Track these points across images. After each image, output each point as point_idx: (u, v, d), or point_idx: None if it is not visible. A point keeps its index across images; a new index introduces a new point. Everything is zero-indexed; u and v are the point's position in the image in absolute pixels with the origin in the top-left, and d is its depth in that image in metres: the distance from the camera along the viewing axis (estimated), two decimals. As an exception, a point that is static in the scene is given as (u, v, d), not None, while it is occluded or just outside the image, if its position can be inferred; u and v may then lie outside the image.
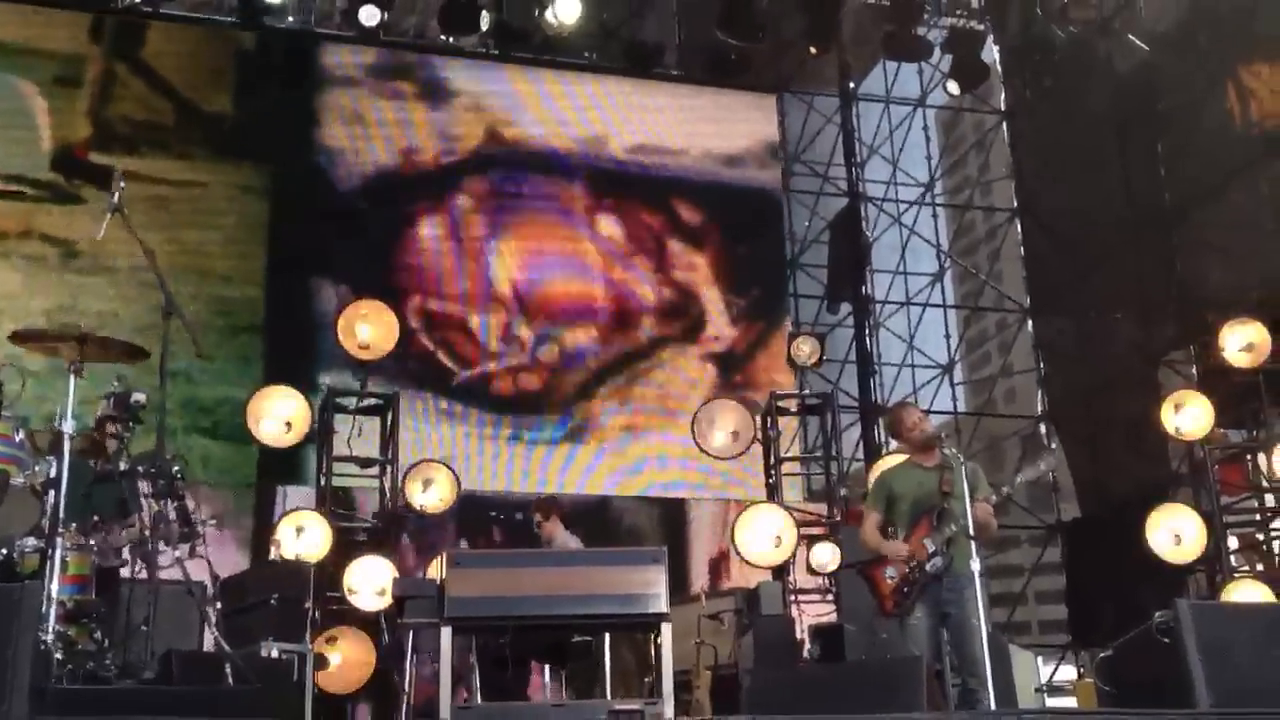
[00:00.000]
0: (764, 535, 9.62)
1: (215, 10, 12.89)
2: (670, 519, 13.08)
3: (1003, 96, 15.31)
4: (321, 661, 7.75)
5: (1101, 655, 7.21)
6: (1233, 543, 10.10)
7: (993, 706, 5.93)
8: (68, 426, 5.04)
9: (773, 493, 10.43)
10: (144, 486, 5.68)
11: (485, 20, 12.80)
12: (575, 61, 13.96)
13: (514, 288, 13.32)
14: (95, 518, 5.86)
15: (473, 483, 10.59)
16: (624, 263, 13.71)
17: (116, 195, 5.67)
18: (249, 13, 12.61)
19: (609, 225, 13.77)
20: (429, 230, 13.24)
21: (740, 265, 14.03)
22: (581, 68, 13.99)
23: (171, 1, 12.63)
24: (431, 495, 9.25)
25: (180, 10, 12.74)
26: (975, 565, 6.02)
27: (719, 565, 12.59)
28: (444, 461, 9.54)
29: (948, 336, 15.33)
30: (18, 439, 5.10)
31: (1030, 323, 14.93)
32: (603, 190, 13.83)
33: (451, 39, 13.36)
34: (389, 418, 9.56)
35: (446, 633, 5.98)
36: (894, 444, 8.34)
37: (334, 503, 9.32)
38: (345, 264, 12.60)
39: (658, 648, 6.07)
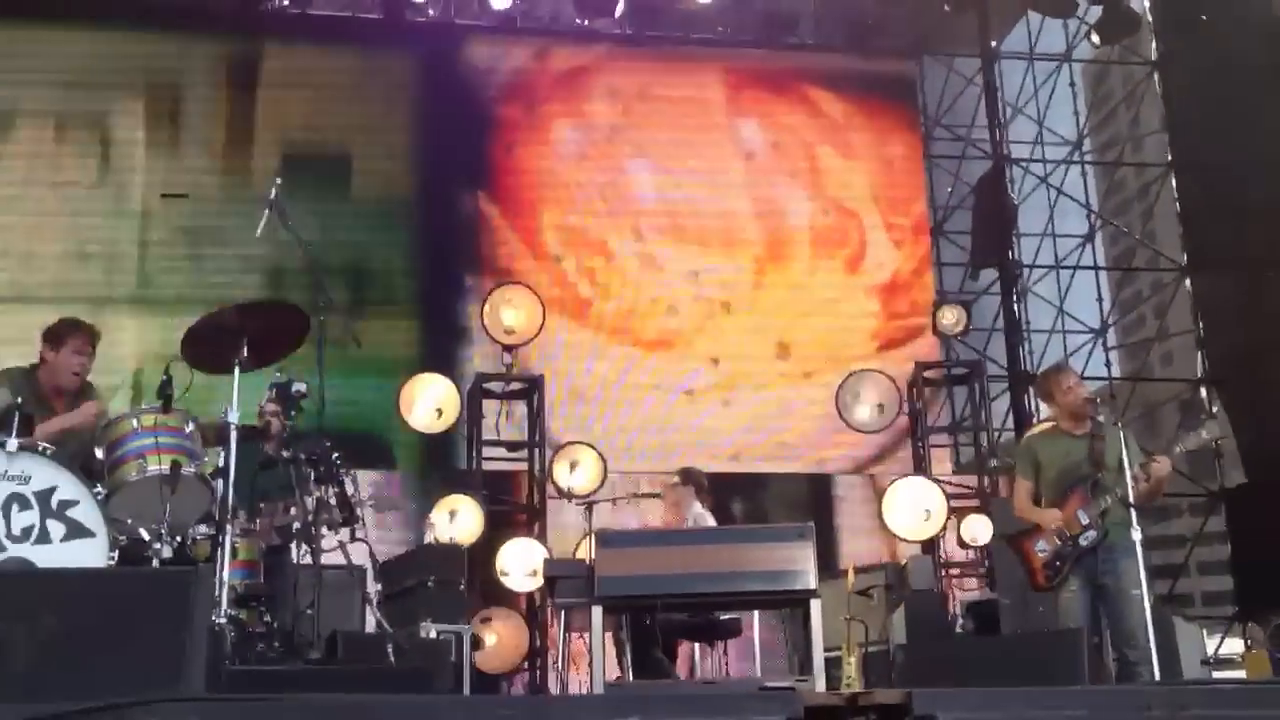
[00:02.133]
0: (913, 509, 9.52)
1: (358, 8, 13.17)
2: (814, 493, 13.00)
3: (1153, 46, 14.74)
4: (477, 641, 7.94)
5: (1276, 623, 6.98)
6: None
7: (1156, 678, 5.80)
8: (233, 417, 5.24)
9: (921, 465, 10.30)
10: (307, 472, 5.90)
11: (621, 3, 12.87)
12: (708, 37, 13.90)
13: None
14: (261, 504, 6.12)
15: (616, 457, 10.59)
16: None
17: (273, 191, 5.88)
18: (392, 9, 12.84)
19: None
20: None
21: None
22: (715, 42, 13.92)
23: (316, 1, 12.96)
24: (579, 477, 9.38)
25: (328, 10, 13.04)
26: (1136, 535, 5.88)
27: (867, 541, 12.47)
28: (590, 444, 9.66)
29: (1100, 299, 14.87)
30: (188, 430, 5.32)
31: (1188, 282, 14.37)
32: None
33: (587, 22, 13.42)
34: (535, 401, 9.72)
35: (597, 612, 6.07)
36: (1045, 411, 8.16)
37: (484, 486, 9.53)
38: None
39: (807, 624, 6.06)
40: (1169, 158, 14.79)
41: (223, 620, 4.89)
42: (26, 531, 4.78)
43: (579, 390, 12.13)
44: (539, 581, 8.58)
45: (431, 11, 13.14)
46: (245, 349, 5.36)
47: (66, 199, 11.98)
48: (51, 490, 4.86)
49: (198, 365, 5.34)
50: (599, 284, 12.85)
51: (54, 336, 5.83)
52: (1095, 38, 13.58)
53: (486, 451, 9.61)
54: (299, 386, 5.87)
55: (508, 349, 9.55)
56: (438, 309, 12.36)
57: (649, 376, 12.65)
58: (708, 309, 12.99)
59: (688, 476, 8.91)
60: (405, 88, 13.02)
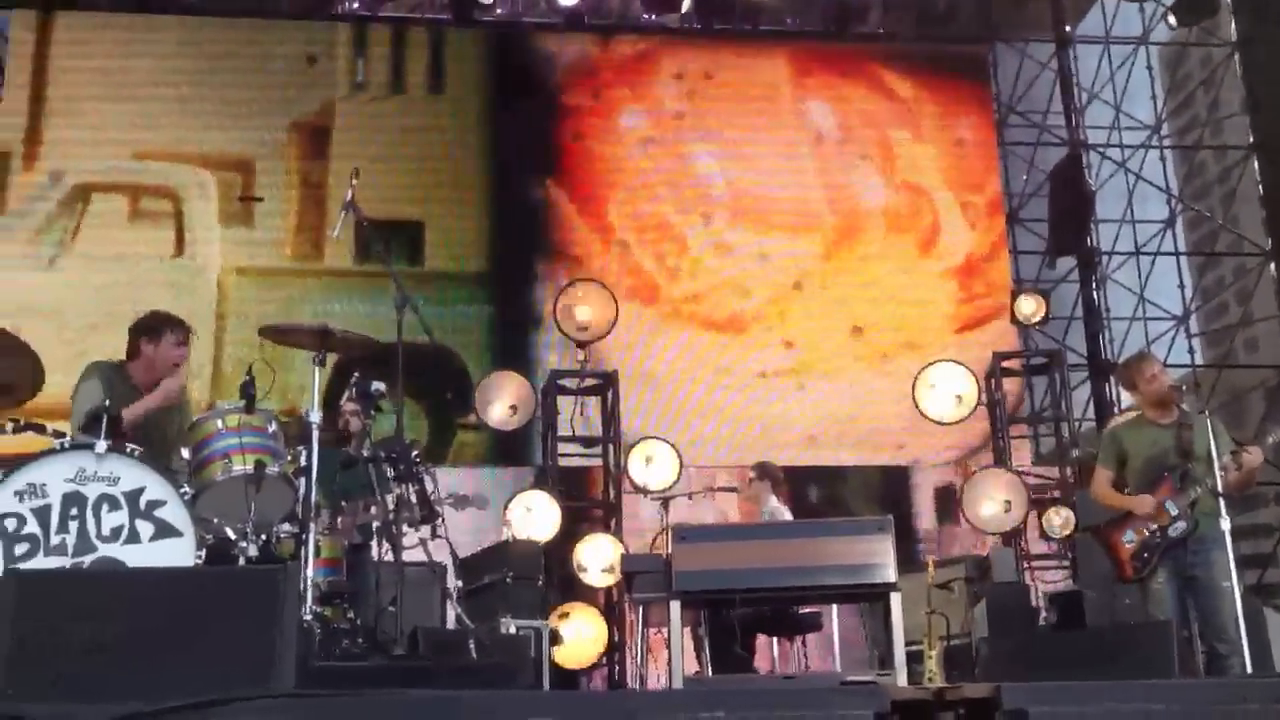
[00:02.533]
0: (993, 501, 9.41)
1: (428, 9, 13.28)
2: (891, 485, 12.89)
3: (1233, 27, 14.40)
4: (556, 637, 7.98)
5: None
6: None
7: (1249, 671, 5.68)
8: (315, 417, 5.31)
9: (1000, 457, 10.17)
10: (387, 471, 5.95)
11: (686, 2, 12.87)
12: (775, 29, 13.83)
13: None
14: (343, 502, 6.20)
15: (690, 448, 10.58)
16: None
17: (350, 193, 5.94)
18: (460, 7, 12.93)
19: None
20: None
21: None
22: (783, 34, 13.85)
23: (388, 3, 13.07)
24: (654, 472, 9.39)
25: (398, 12, 13.16)
26: (1225, 525, 5.77)
27: (946, 533, 12.34)
28: (665, 438, 9.65)
29: (1181, 286, 14.56)
30: (270, 430, 5.39)
31: (1272, 266, 14.03)
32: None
33: (654, 17, 13.42)
34: (609, 396, 9.74)
35: (675, 606, 6.06)
36: (1127, 401, 8.03)
37: (559, 482, 9.57)
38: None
39: (888, 618, 6.01)
40: (1250, 140, 14.46)
41: (308, 618, 4.96)
42: (116, 531, 4.87)
43: (652, 375, 12.14)
44: (616, 577, 8.60)
45: (500, 10, 13.21)
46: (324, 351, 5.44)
47: (140, 269, 12.08)
48: (140, 491, 4.94)
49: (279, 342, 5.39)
50: (669, 268, 12.84)
51: (151, 330, 5.84)
52: (1172, 19, 13.31)
53: (562, 447, 9.65)
54: (378, 386, 5.94)
55: (580, 345, 9.58)
56: (509, 296, 12.45)
57: (722, 359, 12.64)
58: (779, 292, 12.93)
59: (764, 470, 8.89)
60: (476, 78, 13.10)
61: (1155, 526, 6.07)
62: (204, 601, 3.55)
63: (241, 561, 5.07)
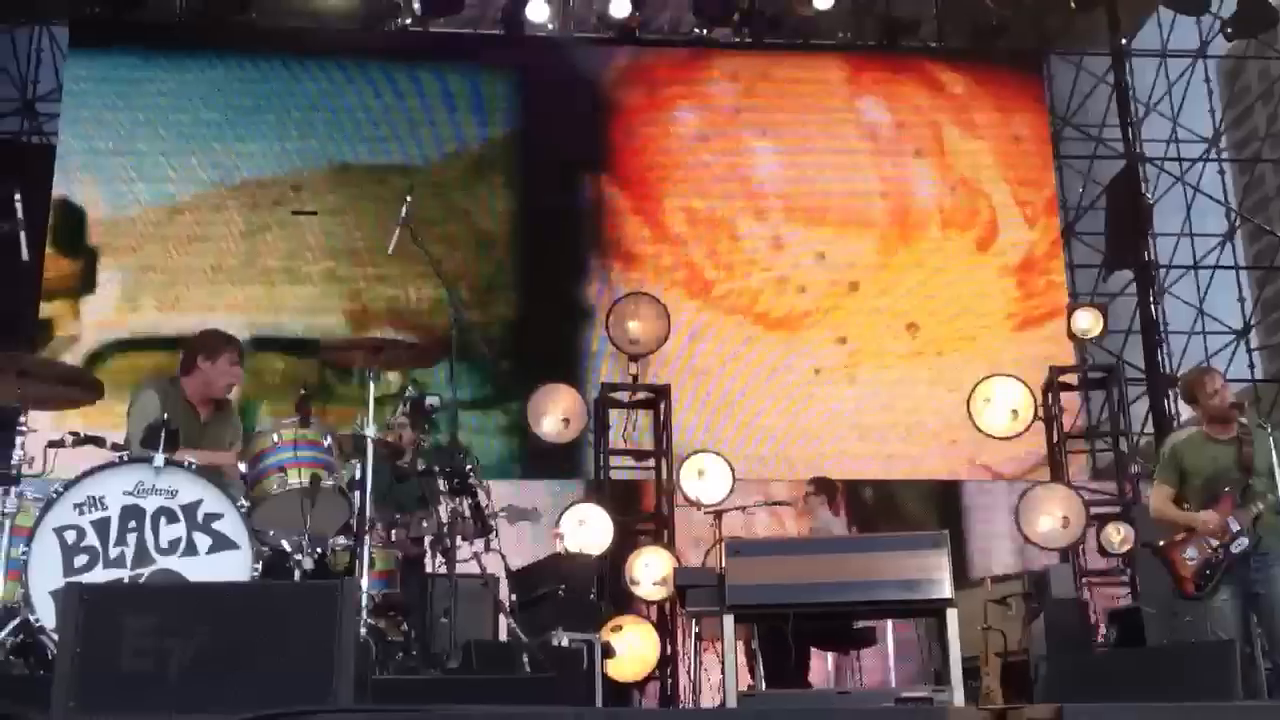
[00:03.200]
0: (1050, 516, 9.30)
1: (478, 25, 13.36)
2: (945, 500, 12.78)
3: (1292, 39, 14.23)
4: (609, 650, 7.97)
5: None
6: None
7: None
8: (369, 430, 5.35)
9: (1057, 472, 10.06)
10: (440, 484, 5.99)
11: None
12: (827, 43, 13.80)
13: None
14: (397, 515, 6.24)
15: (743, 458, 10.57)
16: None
17: (405, 209, 5.99)
18: (512, 25, 13.00)
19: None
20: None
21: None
22: (834, 48, 13.82)
23: (440, 20, 13.15)
24: (706, 485, 9.37)
25: (450, 29, 13.26)
26: (1283, 542, 5.68)
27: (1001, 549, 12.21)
28: (718, 451, 9.63)
29: (1241, 299, 14.36)
30: (326, 444, 5.44)
31: (1335, 279, 13.83)
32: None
33: (706, 32, 13.45)
34: (661, 409, 9.74)
35: (729, 621, 6.04)
36: (1186, 415, 7.91)
37: (613, 495, 9.58)
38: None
39: (943, 634, 5.95)
40: (1310, 152, 14.26)
41: (363, 631, 4.99)
42: (174, 544, 4.94)
43: (703, 371, 12.15)
44: (669, 590, 8.58)
45: (551, 26, 13.28)
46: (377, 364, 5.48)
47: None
48: (197, 504, 5.00)
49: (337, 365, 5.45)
50: (723, 265, 12.83)
51: (209, 347, 5.92)
52: (1229, 30, 13.14)
53: (614, 460, 9.66)
54: (431, 401, 5.98)
55: (633, 359, 9.58)
56: (561, 292, 12.52)
57: (775, 357, 12.62)
58: (835, 289, 12.90)
59: (819, 485, 8.86)
60: (523, 84, 13.19)
61: (1218, 543, 5.97)
62: (264, 615, 3.57)
63: (297, 574, 5.11)
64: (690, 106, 13.39)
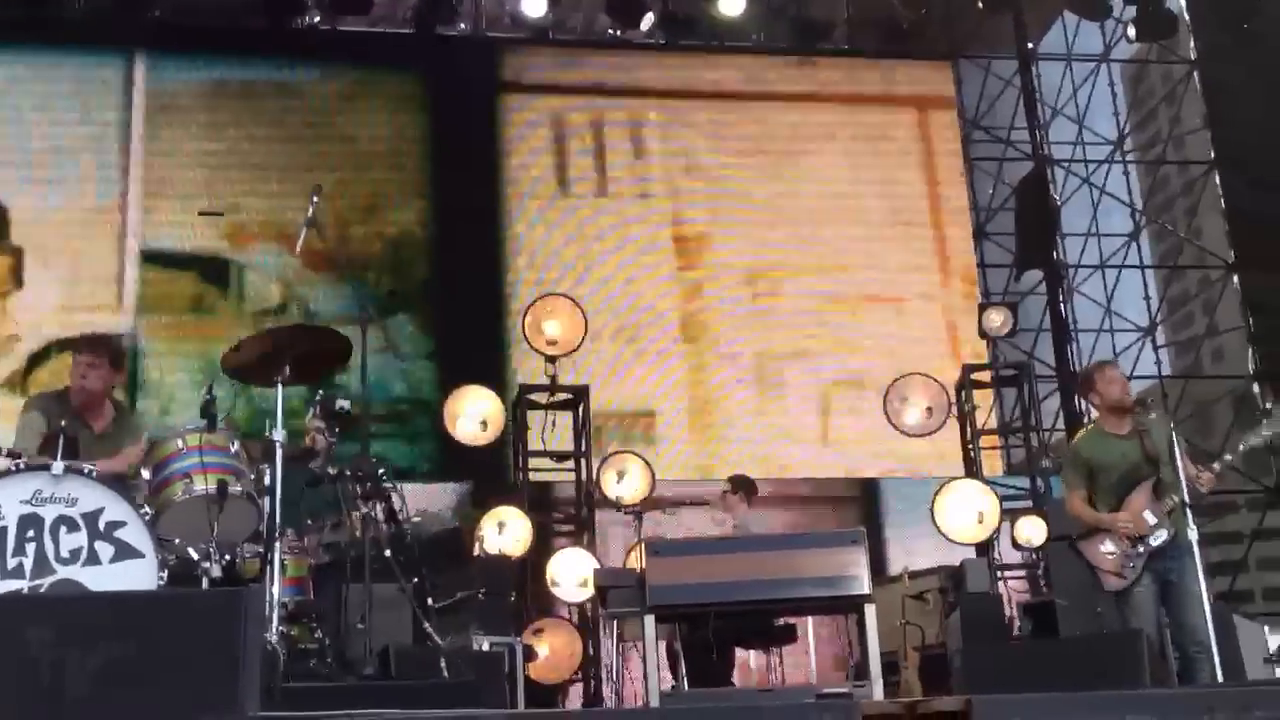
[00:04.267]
0: (965, 512, 9.41)
1: (392, 24, 13.23)
2: (863, 497, 12.91)
3: (1192, 44, 14.57)
4: (530, 653, 7.91)
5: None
6: None
7: (1219, 678, 5.68)
8: (278, 435, 5.24)
9: (971, 468, 10.19)
10: (353, 489, 5.89)
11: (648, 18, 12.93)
12: (741, 45, 13.88)
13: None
14: (309, 521, 6.12)
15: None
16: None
17: (311, 210, 5.88)
18: (426, 24, 12.89)
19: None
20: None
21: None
22: (748, 50, 13.90)
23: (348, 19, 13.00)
24: (626, 486, 9.35)
25: (360, 26, 13.10)
26: (1192, 534, 5.78)
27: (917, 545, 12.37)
28: (637, 452, 9.62)
29: (1147, 298, 14.68)
30: (233, 449, 5.32)
31: (1235, 278, 14.17)
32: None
33: (620, 32, 13.45)
34: (580, 411, 9.70)
35: (650, 621, 6.02)
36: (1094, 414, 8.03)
37: (531, 497, 9.51)
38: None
39: (862, 629, 5.99)
40: (1211, 155, 14.62)
41: (274, 639, 4.89)
42: (75, 553, 4.78)
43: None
44: (590, 592, 8.54)
45: (463, 25, 13.19)
46: (288, 368, 5.36)
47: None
48: (99, 512, 4.85)
49: (241, 379, 5.34)
50: (639, 267, 13.02)
51: (74, 351, 5.84)
52: (1132, 31, 13.43)
53: (533, 463, 9.60)
54: (342, 403, 5.87)
55: (550, 360, 9.52)
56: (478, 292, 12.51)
57: (690, 358, 12.70)
58: (752, 286, 13.05)
59: (738, 484, 8.88)
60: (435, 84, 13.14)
61: (1137, 537, 6.06)
62: (165, 625, 3.48)
63: (205, 582, 4.99)
64: (603, 106, 13.38)
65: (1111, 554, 6.09)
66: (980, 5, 13.48)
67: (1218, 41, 13.88)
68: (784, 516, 12.00)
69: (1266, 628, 12.43)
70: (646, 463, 9.47)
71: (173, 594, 4.69)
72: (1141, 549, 6.03)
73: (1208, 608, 5.67)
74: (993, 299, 12.81)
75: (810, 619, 8.32)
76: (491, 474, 11.01)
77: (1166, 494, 6.01)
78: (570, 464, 9.67)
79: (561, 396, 9.71)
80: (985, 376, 10.59)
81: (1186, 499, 5.83)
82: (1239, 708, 3.56)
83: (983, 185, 14.73)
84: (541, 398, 9.64)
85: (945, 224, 13.80)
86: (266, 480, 5.22)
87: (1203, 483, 6.00)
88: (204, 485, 5.12)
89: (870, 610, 5.94)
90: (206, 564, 5.06)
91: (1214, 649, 5.62)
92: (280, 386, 5.34)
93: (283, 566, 5.37)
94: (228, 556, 5.22)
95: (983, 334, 10.66)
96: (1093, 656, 5.81)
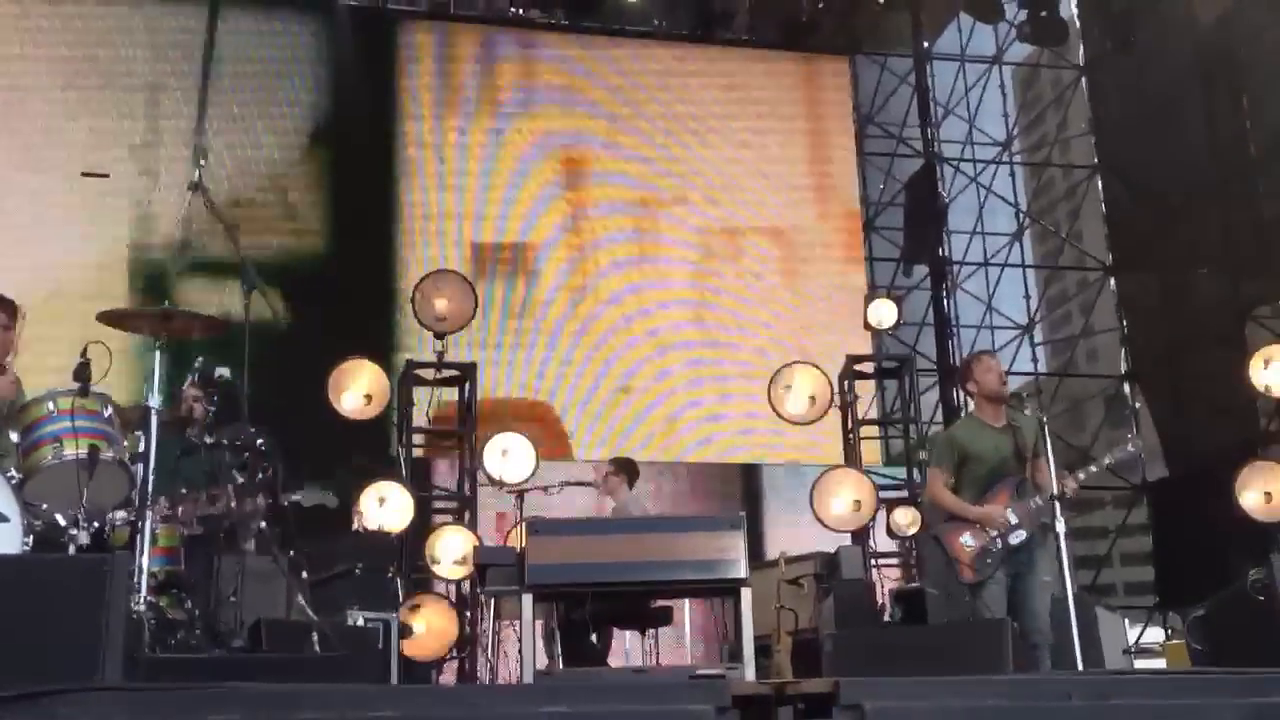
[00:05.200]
0: (843, 500, 9.58)
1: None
2: (745, 484, 13.07)
3: (1081, 51, 14.97)
4: (406, 629, 7.86)
5: (1194, 615, 7.09)
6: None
7: (1080, 667, 5.86)
8: (154, 401, 5.13)
9: (851, 457, 10.37)
10: (230, 460, 5.78)
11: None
12: (641, 29, 13.89)
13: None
14: (183, 490, 5.99)
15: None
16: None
17: (198, 173, 5.76)
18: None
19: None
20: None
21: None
22: (647, 35, 13.92)
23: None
24: (509, 465, 9.32)
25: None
26: (1060, 527, 5.90)
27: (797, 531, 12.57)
28: (521, 432, 9.59)
29: (1027, 296, 15.12)
30: (106, 414, 5.19)
31: (1112, 280, 14.65)
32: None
33: (521, 11, 13.38)
34: (467, 388, 9.64)
35: (527, 600, 6.03)
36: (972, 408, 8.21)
37: (414, 474, 9.43)
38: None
39: (738, 613, 6.07)
40: (1095, 160, 15.05)
41: (141, 608, 4.79)
42: (-64, 517, 4.63)
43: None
44: (469, 570, 8.51)
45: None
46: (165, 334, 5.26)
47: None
48: (-39, 475, 4.71)
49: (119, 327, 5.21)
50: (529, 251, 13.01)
51: None
52: (1026, 31, 13.74)
53: (416, 439, 9.51)
54: (221, 371, 5.76)
55: (438, 336, 9.44)
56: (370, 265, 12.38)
57: (580, 341, 12.75)
58: (641, 274, 13.14)
59: (620, 466, 8.93)
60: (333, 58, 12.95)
61: (995, 533, 6.18)
62: (29, 590, 3.40)
63: (72, 549, 4.87)
64: (502, 85, 13.31)
65: (970, 547, 6.21)
66: (880, 2, 13.68)
67: (1104, 50, 14.29)
68: (666, 500, 12.10)
69: (1126, 620, 12.93)
70: (531, 442, 9.45)
71: (35, 558, 4.57)
72: (999, 545, 6.16)
73: (1072, 609, 5.80)
74: (878, 292, 13.05)
75: (688, 601, 8.41)
76: (376, 449, 10.92)
77: (1029, 494, 6.15)
78: (454, 441, 9.61)
79: (449, 373, 9.63)
80: (868, 368, 10.76)
81: (1055, 491, 5.94)
82: (1096, 694, 3.69)
83: (874, 180, 14.98)
84: (429, 374, 9.56)
85: (834, 217, 13.99)
86: (140, 447, 5.12)
87: (1066, 489, 6.12)
88: (74, 450, 4.99)
89: (746, 594, 6.01)
90: (74, 530, 4.92)
91: (1076, 642, 5.76)
92: (158, 352, 5.24)
93: (154, 536, 5.24)
94: (96, 523, 5.09)
95: (867, 326, 10.84)
96: (959, 643, 5.95)
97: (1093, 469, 6.45)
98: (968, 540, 6.22)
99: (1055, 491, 5.90)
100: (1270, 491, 9.24)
